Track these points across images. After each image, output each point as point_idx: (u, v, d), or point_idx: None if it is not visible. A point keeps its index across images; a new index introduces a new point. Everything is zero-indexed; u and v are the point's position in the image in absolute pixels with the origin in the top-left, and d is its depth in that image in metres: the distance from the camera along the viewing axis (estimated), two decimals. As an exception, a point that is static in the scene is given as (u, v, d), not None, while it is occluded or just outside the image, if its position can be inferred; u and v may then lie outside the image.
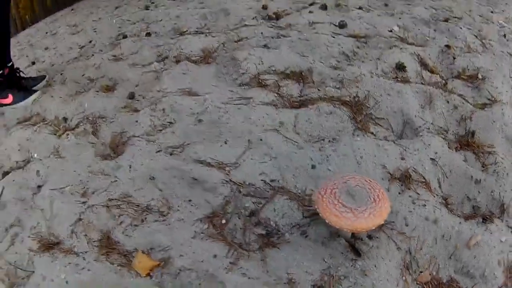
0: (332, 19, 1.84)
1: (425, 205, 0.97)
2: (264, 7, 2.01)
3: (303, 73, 1.37)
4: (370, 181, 0.86)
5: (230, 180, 1.08)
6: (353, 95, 1.31)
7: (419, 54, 1.52)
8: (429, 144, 1.14)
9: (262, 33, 1.71)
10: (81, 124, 1.35)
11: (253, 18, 1.87)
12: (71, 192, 1.12)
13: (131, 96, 1.47)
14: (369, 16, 1.88)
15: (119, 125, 1.31)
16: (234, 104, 1.27)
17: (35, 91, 1.72)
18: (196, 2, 2.32)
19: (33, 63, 2.36)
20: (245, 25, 1.79)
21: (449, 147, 1.17)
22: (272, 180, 1.08)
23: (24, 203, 1.18)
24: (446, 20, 1.90)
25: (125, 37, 2.06)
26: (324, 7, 1.99)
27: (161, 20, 2.17)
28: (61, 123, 1.43)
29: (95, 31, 2.45)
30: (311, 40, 1.57)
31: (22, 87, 1.72)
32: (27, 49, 2.60)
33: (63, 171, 1.21)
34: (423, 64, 1.49)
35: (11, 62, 1.71)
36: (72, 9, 4.31)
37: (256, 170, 1.09)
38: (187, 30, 1.89)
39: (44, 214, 1.10)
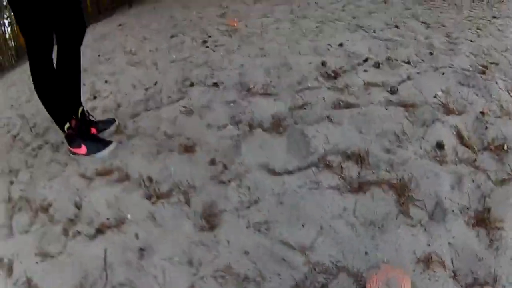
0: (384, 79, 2.00)
1: (437, 280, 1.15)
2: (323, 64, 2.17)
3: (361, 155, 1.54)
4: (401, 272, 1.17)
5: (309, 262, 1.29)
6: (399, 178, 1.47)
7: (457, 126, 1.64)
8: (450, 230, 1.29)
9: (324, 98, 1.87)
10: (174, 193, 1.56)
11: (315, 79, 2.03)
12: (180, 262, 1.34)
13: (213, 162, 1.67)
14: (416, 76, 2.04)
15: (209, 196, 1.52)
16: (308, 189, 1.46)
17: (109, 142, 1.80)
18: (256, 48, 2.50)
19: (95, 97, 2.57)
20: (308, 88, 1.96)
21: (467, 225, 1.31)
22: (337, 261, 1.28)
23: (131, 267, 1.40)
24: (483, 72, 2.05)
25: (192, 85, 2.25)
26: (377, 65, 2.14)
27: (225, 68, 2.35)
28: (150, 187, 1.63)
29: (157, 69, 2.64)
30: (367, 115, 1.72)
31: (94, 137, 1.84)
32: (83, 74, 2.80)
33: (165, 239, 1.43)
34: (460, 137, 1.60)
35: (81, 107, 1.86)
36: (120, 25, 4.51)
37: (326, 252, 1.30)
38: (254, 87, 2.06)
39: (157, 280, 1.32)
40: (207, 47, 2.86)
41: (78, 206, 1.60)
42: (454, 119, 1.69)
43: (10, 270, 1.42)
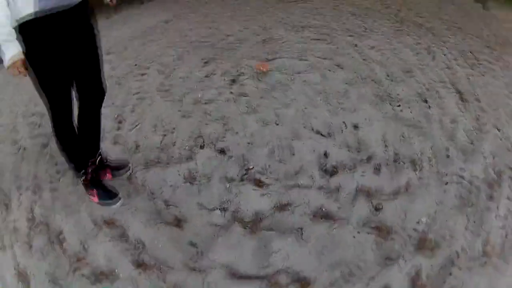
0: (379, 187, 2.10)
1: None
2: (325, 155, 2.30)
3: (308, 282, 1.70)
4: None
5: None
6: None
7: (418, 270, 1.69)
8: None
9: (308, 202, 2.04)
10: (154, 269, 1.85)
11: (310, 176, 2.18)
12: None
13: (192, 245, 1.94)
14: (414, 186, 2.11)
15: (181, 279, 1.79)
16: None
17: (118, 197, 2.05)
18: (273, 115, 2.65)
19: (119, 127, 2.88)
20: (299, 186, 2.13)
21: None
22: None
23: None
24: (491, 186, 2.10)
25: (202, 147, 2.48)
26: (378, 168, 2.23)
27: (238, 132, 2.55)
28: (141, 254, 1.94)
29: (181, 108, 2.87)
30: (336, 237, 1.85)
31: (106, 188, 2.06)
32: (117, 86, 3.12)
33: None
34: (413, 284, 1.64)
35: (99, 156, 2.09)
36: (166, 22, 4.71)
37: None
38: (253, 168, 2.26)
39: None
40: (232, 92, 3.04)
41: (85, 249, 1.94)
42: (422, 259, 1.79)
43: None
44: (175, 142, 2.57)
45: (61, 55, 1.71)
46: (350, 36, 3.90)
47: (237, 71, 3.45)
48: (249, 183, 2.16)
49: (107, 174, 2.20)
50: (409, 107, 2.79)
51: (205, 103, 2.96)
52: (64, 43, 1.70)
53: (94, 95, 2.02)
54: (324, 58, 3.54)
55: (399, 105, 2.82)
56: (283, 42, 3.92)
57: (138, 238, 1.98)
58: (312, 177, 2.17)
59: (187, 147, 2.50)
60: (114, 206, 2.06)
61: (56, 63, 1.70)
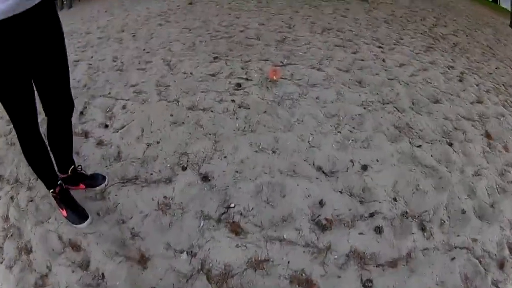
0: (376, 253, 1.76)
1: None
2: (321, 204, 1.96)
3: None
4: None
5: None
6: None
7: None
8: None
9: (289, 262, 1.72)
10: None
11: (297, 228, 1.85)
12: None
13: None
14: (416, 258, 1.77)
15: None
16: None
17: (86, 216, 1.84)
18: (271, 139, 2.29)
19: (106, 126, 2.63)
20: (282, 239, 1.81)
21: None
22: None
23: None
24: (502, 265, 1.78)
25: (184, 168, 2.19)
26: (379, 230, 1.88)
27: (226, 156, 2.22)
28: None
29: (171, 116, 2.57)
30: None
31: (75, 205, 1.85)
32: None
33: None
34: None
35: (72, 166, 1.90)
36: (191, 3, 4.34)
37: None
38: (234, 207, 1.95)
39: None
40: (233, 101, 2.70)
41: (49, 268, 1.73)
42: None
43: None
44: (157, 156, 2.28)
45: (22, 62, 1.40)
46: (379, 47, 3.42)
47: (246, 73, 3.08)
48: (226, 227, 1.85)
49: (80, 185, 2.00)
50: (430, 148, 2.38)
51: (201, 110, 2.64)
52: (25, 48, 1.39)
53: (62, 107, 1.72)
54: (345, 71, 3.11)
55: (419, 145, 2.41)
56: (303, 45, 3.50)
57: (98, 269, 1.75)
58: (300, 230, 1.84)
59: (169, 165, 2.20)
60: (82, 226, 1.86)
61: (16, 71, 1.40)
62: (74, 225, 1.86)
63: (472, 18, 4.24)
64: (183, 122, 2.52)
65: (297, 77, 2.99)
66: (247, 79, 2.98)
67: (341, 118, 2.50)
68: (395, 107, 2.69)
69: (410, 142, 2.41)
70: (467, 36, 3.76)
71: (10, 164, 2.36)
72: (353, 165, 2.18)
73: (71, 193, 1.92)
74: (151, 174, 2.18)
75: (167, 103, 2.74)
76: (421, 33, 3.82)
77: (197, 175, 2.12)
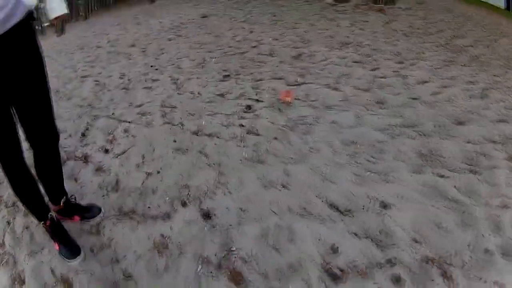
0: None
1: None
2: (333, 250, 1.72)
3: None
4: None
5: None
6: None
7: None
8: None
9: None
10: None
11: (305, 280, 1.61)
12: None
13: None
14: None
15: None
16: None
17: (79, 251, 1.70)
18: (281, 172, 2.07)
19: (107, 151, 2.48)
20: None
21: None
22: None
23: None
24: None
25: (184, 204, 1.99)
26: (397, 279, 1.63)
27: (231, 192, 2.01)
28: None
29: (174, 142, 2.39)
30: None
31: (68, 240, 1.72)
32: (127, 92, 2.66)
33: None
34: None
35: (64, 197, 1.79)
36: (204, 17, 4.22)
37: None
38: (235, 250, 1.73)
39: None
40: (242, 125, 2.50)
41: None
42: None
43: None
44: (157, 187, 2.09)
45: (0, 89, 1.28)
46: (399, 63, 3.16)
47: (257, 94, 2.89)
48: (225, 274, 1.64)
49: (75, 217, 1.87)
50: (453, 178, 2.10)
51: (207, 135, 2.45)
52: (2, 75, 1.27)
53: (45, 138, 1.58)
54: (364, 90, 2.86)
55: (442, 175, 2.14)
56: (319, 61, 3.27)
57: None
58: (308, 282, 1.60)
59: (168, 199, 2.01)
60: (74, 262, 1.71)
61: None
62: (66, 260, 1.72)
63: (488, 28, 3.93)
64: (186, 149, 2.34)
65: (312, 98, 2.77)
66: (258, 100, 2.78)
67: (359, 145, 2.26)
68: (417, 131, 2.42)
69: (433, 172, 2.14)
70: (486, 47, 3.46)
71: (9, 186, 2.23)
72: (370, 201, 1.93)
73: (64, 227, 1.76)
74: (149, 207, 2.00)
75: (171, 127, 2.57)
76: (441, 46, 3.54)
77: (198, 211, 1.92)
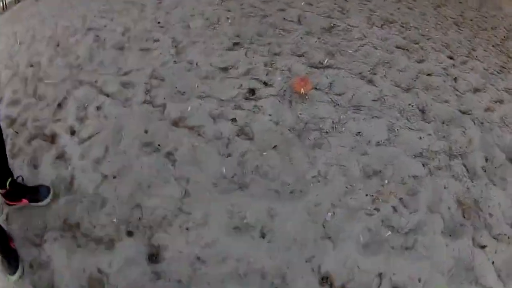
0: None
1: None
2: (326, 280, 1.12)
3: None
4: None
5: None
6: None
7: None
8: None
9: None
10: None
11: None
12: None
13: None
14: None
15: None
16: None
17: (17, 266, 1.42)
18: (265, 208, 1.45)
19: (73, 132, 1.97)
20: None
21: None
22: None
23: None
24: None
25: (131, 233, 1.44)
26: None
27: (188, 228, 1.43)
28: None
29: (123, 160, 1.81)
30: None
31: (9, 253, 1.43)
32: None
33: None
34: None
35: (10, 179, 1.50)
36: None
37: None
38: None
39: None
40: (235, 120, 1.83)
41: None
42: None
43: None
44: (107, 199, 1.56)
45: None
46: (450, 57, 2.25)
47: (267, 74, 2.15)
48: None
49: (23, 200, 1.58)
50: (495, 251, 1.36)
51: (187, 129, 1.82)
52: None
53: None
54: (405, 89, 2.02)
55: (483, 246, 1.40)
56: (355, 39, 2.40)
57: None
58: None
59: (115, 220, 1.48)
60: (11, 278, 1.44)
61: None
62: (4, 274, 1.46)
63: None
64: (157, 147, 1.74)
65: (337, 89, 2.00)
66: (265, 83, 2.06)
67: (386, 183, 1.52)
68: (464, 165, 1.62)
69: (472, 239, 1.39)
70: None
71: None
72: (380, 284, 1.26)
73: (6, 234, 1.46)
74: (94, 226, 1.48)
75: (150, 110, 1.95)
76: (493, 46, 2.64)
77: (145, 246, 1.38)
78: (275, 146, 1.70)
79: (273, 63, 2.25)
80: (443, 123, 1.84)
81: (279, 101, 1.96)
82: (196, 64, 2.30)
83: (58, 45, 3.01)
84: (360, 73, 2.10)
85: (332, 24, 2.57)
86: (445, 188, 1.52)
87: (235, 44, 2.49)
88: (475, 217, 1.45)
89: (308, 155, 1.62)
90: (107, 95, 2.16)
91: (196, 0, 3.37)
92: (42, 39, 2.84)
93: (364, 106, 1.89)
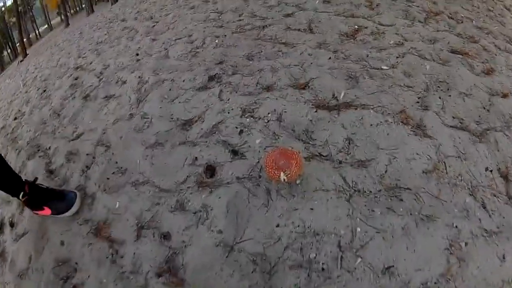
0: None
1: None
2: None
3: None
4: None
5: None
6: None
7: None
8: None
9: None
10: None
11: None
12: None
13: None
14: None
15: None
16: None
17: (72, 198, 1.22)
18: None
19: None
20: None
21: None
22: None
23: None
24: None
25: None
26: None
27: None
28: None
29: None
30: None
31: (56, 194, 1.23)
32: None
33: None
34: None
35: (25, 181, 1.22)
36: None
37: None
38: None
39: None
40: (160, 270, 0.99)
41: None
42: None
43: None
44: None
45: None
46: None
47: (241, 131, 1.26)
48: None
49: (45, 208, 1.22)
50: None
51: (106, 242, 1.04)
52: None
53: None
54: (475, 134, 0.91)
55: None
56: (389, 46, 1.33)
57: None
58: None
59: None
60: (72, 210, 1.21)
61: None
62: (65, 213, 1.21)
63: None
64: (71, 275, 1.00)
65: (360, 153, 0.99)
66: (235, 151, 1.18)
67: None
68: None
69: None
70: None
71: None
72: None
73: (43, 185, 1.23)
74: None
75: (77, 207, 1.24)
76: None
77: None
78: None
79: (256, 108, 1.33)
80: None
81: (248, 192, 1.04)
82: (151, 119, 1.50)
83: (44, 90, 2.56)
84: (401, 111, 1.05)
85: (356, 27, 1.51)
86: None
87: (211, 78, 1.61)
88: None
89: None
90: (51, 172, 1.52)
91: (190, 18, 2.58)
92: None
93: (410, 190, 0.86)
